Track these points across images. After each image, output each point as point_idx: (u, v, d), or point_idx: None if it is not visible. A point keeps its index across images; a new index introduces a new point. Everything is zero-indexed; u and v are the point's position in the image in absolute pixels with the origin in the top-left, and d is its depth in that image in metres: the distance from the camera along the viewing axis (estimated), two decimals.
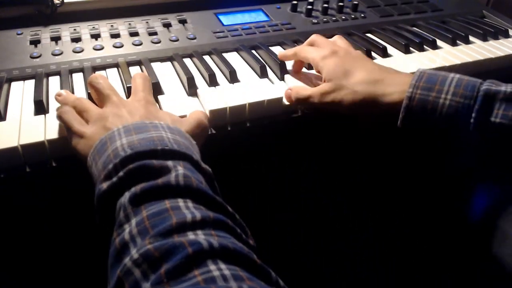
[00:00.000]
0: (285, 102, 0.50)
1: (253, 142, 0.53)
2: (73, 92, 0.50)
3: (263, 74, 0.56)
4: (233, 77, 0.54)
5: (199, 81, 0.54)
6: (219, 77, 0.55)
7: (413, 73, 0.44)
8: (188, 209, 0.28)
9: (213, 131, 0.47)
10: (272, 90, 0.50)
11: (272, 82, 0.54)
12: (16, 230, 0.52)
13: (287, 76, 0.55)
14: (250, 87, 0.51)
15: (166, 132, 0.35)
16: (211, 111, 0.46)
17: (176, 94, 0.51)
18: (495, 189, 0.56)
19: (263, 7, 0.72)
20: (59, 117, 0.41)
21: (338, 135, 0.61)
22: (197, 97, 0.50)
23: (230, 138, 0.49)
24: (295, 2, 0.72)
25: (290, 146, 0.58)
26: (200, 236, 0.26)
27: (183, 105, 0.48)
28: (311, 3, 0.72)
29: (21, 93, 0.50)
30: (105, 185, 0.31)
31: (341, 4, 0.74)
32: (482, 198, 0.59)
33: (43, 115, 0.45)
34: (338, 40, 0.54)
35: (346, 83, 0.45)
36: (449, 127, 0.40)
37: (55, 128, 0.43)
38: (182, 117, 0.43)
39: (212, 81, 0.53)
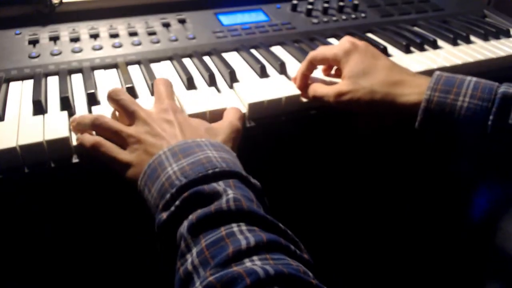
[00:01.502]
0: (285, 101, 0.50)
1: (252, 143, 0.52)
2: (72, 93, 0.50)
3: (263, 74, 0.55)
4: (232, 77, 0.54)
5: (199, 81, 0.54)
6: (219, 77, 0.55)
7: (429, 75, 0.44)
8: (242, 234, 0.29)
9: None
10: (273, 90, 0.50)
11: (273, 82, 0.54)
12: (15, 231, 0.52)
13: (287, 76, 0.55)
14: (250, 87, 0.51)
15: (211, 150, 0.36)
16: (211, 112, 0.46)
17: (176, 94, 0.51)
18: (500, 190, 0.56)
19: (263, 7, 0.71)
20: (93, 150, 0.39)
21: (339, 136, 0.60)
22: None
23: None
24: (295, 2, 0.72)
25: (289, 147, 0.58)
26: (256, 263, 0.27)
27: (183, 105, 0.48)
28: (311, 3, 0.71)
29: (20, 93, 0.50)
30: (164, 215, 0.32)
31: (341, 3, 0.73)
32: (487, 199, 0.58)
33: (41, 116, 0.45)
34: (351, 39, 0.51)
35: (365, 83, 0.45)
36: (466, 129, 0.41)
37: (53, 128, 0.42)
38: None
39: (212, 81, 0.53)
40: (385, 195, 0.72)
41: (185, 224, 0.30)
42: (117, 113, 0.44)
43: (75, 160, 0.42)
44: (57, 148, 0.41)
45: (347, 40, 0.49)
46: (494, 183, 0.61)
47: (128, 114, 0.41)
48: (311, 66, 0.51)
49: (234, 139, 0.42)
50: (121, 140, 0.39)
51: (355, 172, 0.68)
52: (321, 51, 0.50)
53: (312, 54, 0.51)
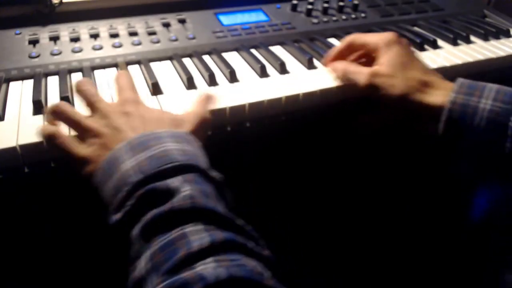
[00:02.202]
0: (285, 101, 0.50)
1: (253, 142, 0.52)
2: (72, 93, 0.50)
3: (263, 74, 0.55)
4: (232, 77, 0.54)
5: (199, 81, 0.54)
6: (219, 77, 0.55)
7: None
8: (196, 234, 0.28)
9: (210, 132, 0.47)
10: (272, 90, 0.50)
11: (273, 82, 0.54)
12: (15, 231, 0.52)
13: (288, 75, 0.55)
14: (250, 87, 0.51)
15: (171, 142, 0.34)
16: (211, 112, 0.46)
17: (175, 94, 0.51)
18: (500, 191, 0.56)
19: (263, 7, 0.71)
20: (50, 142, 0.38)
21: (339, 136, 0.60)
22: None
23: (230, 138, 0.49)
24: (295, 2, 0.72)
25: (290, 147, 0.58)
26: (209, 265, 0.26)
27: (183, 104, 0.48)
28: (311, 3, 0.71)
29: (20, 93, 0.50)
30: (119, 215, 0.31)
31: (341, 3, 0.73)
32: (487, 199, 0.58)
33: (41, 115, 0.45)
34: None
35: (402, 75, 0.47)
36: (487, 130, 0.42)
37: (53, 128, 0.42)
38: None
39: (212, 81, 0.53)
40: (385, 196, 0.72)
41: (138, 225, 0.29)
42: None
43: None
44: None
45: (391, 33, 0.51)
46: (494, 184, 0.61)
47: (89, 105, 0.40)
48: (348, 48, 0.53)
49: (202, 128, 0.40)
50: (80, 132, 0.38)
51: (355, 172, 0.68)
52: (363, 36, 0.51)
53: (352, 36, 0.52)
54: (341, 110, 0.54)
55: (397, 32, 0.69)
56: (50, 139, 0.38)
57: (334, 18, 0.72)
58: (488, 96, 0.42)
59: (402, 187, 0.72)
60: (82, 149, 0.37)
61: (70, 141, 0.38)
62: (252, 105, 0.48)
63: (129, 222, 0.30)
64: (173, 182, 0.31)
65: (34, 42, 0.57)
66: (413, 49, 0.51)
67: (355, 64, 0.51)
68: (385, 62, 0.48)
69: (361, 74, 0.48)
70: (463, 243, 0.65)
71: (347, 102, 0.54)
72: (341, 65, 0.51)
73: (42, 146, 0.41)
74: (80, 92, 0.41)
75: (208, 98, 0.44)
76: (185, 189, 0.30)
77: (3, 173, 0.40)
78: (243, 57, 0.60)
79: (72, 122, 0.39)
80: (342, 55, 0.54)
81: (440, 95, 0.45)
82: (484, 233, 0.59)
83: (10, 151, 0.40)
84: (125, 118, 0.38)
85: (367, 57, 0.54)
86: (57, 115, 0.39)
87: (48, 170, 0.42)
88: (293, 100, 0.50)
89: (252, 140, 0.51)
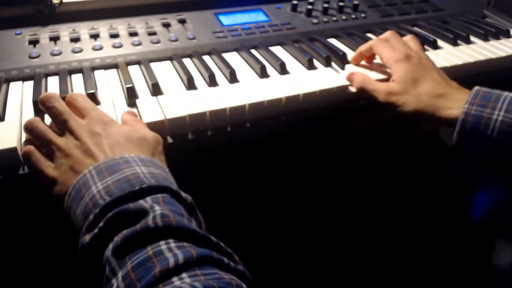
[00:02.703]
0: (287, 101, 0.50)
1: (253, 143, 0.52)
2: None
3: (263, 74, 0.55)
4: (233, 78, 0.54)
5: (199, 81, 0.54)
6: (219, 77, 0.55)
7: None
8: (171, 251, 0.28)
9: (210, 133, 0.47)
10: (273, 90, 0.50)
11: (273, 82, 0.54)
12: (15, 231, 0.52)
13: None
14: (250, 88, 0.51)
15: (139, 166, 0.34)
16: (211, 112, 0.46)
17: (176, 94, 0.51)
18: (500, 191, 0.56)
19: (263, 7, 0.71)
20: (24, 157, 0.38)
21: (339, 137, 0.60)
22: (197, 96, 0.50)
23: (230, 138, 0.49)
24: (295, 2, 0.72)
25: (290, 147, 0.58)
26: (185, 280, 0.26)
27: (183, 104, 0.48)
28: (311, 3, 0.71)
29: (20, 93, 0.50)
30: (87, 238, 0.30)
31: (341, 4, 0.73)
32: (487, 199, 0.58)
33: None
34: (411, 42, 0.56)
35: (413, 91, 0.48)
36: (499, 141, 0.43)
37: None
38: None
39: (212, 82, 0.53)
40: (385, 196, 0.72)
41: (110, 246, 0.29)
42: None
43: None
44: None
45: (401, 51, 0.52)
46: (494, 184, 0.61)
47: (58, 124, 0.39)
48: (370, 51, 0.56)
49: (160, 148, 0.40)
50: (50, 152, 0.38)
51: (355, 172, 0.68)
52: (380, 48, 0.54)
53: (373, 43, 0.55)
54: (341, 110, 0.54)
55: (397, 31, 0.69)
56: (25, 156, 0.38)
57: (334, 18, 0.72)
58: (501, 107, 0.43)
59: (402, 187, 0.72)
60: (52, 170, 0.37)
61: (42, 159, 0.38)
62: (252, 105, 0.48)
63: (99, 245, 0.30)
64: (144, 202, 0.31)
65: (34, 42, 0.57)
66: (426, 62, 0.52)
67: (371, 80, 0.53)
68: (396, 79, 0.50)
69: (378, 92, 0.51)
70: (463, 243, 0.65)
71: (347, 102, 0.54)
72: (359, 77, 0.53)
73: None
74: (48, 109, 0.40)
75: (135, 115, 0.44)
76: (156, 208, 0.30)
77: (3, 173, 0.40)
78: (243, 58, 0.60)
79: (44, 141, 0.38)
80: (362, 56, 0.59)
81: (454, 107, 0.46)
82: (484, 233, 0.59)
83: (11, 151, 0.40)
84: (95, 139, 0.37)
85: None
86: (30, 132, 0.39)
87: None
88: (293, 100, 0.50)
89: (252, 141, 0.51)
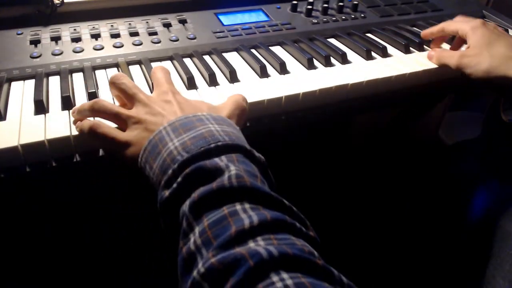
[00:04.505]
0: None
1: (253, 141, 0.52)
2: (73, 92, 0.50)
3: (263, 74, 0.56)
4: (233, 77, 0.54)
5: (199, 81, 0.54)
6: (219, 77, 0.55)
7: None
8: (245, 213, 0.28)
9: None
10: (273, 90, 0.50)
11: (273, 82, 0.54)
12: (15, 231, 0.52)
13: (289, 75, 0.55)
14: (250, 87, 0.51)
15: (213, 124, 0.35)
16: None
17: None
18: (500, 190, 0.56)
19: (263, 7, 0.72)
20: (93, 133, 0.39)
21: (339, 136, 0.60)
22: (198, 96, 0.50)
23: None
24: (295, 2, 0.72)
25: (290, 146, 0.58)
26: (260, 243, 0.26)
27: None
28: (311, 3, 0.72)
29: (21, 93, 0.50)
30: (167, 193, 0.32)
31: (341, 4, 0.74)
32: (487, 199, 0.59)
33: (43, 115, 0.45)
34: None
35: (488, 52, 0.53)
36: None
37: (55, 127, 0.43)
38: None
39: (212, 81, 0.53)
40: (385, 195, 0.72)
41: (187, 202, 0.30)
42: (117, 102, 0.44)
43: (76, 159, 0.42)
44: (58, 147, 0.42)
45: (478, 19, 0.58)
46: (494, 183, 0.61)
47: (128, 97, 0.41)
48: (442, 31, 0.61)
49: (239, 115, 0.41)
50: (121, 122, 0.39)
51: (355, 171, 0.68)
52: (454, 23, 0.59)
53: (447, 22, 0.61)
54: (341, 110, 0.54)
55: (397, 31, 0.69)
56: (92, 130, 0.39)
57: (334, 18, 0.72)
58: None
59: (402, 186, 0.72)
60: (125, 135, 0.38)
61: (113, 129, 0.39)
62: (252, 104, 0.48)
63: (177, 200, 0.31)
64: (220, 161, 0.31)
65: (35, 42, 0.57)
66: (499, 30, 0.57)
67: (447, 50, 0.59)
68: (472, 44, 0.55)
69: (451, 57, 0.55)
70: (463, 242, 0.65)
71: (347, 102, 0.54)
72: (436, 52, 0.59)
73: (44, 146, 0.41)
74: (117, 85, 0.41)
75: (240, 94, 0.45)
76: (232, 168, 0.31)
77: (4, 172, 0.40)
78: (243, 57, 0.60)
79: (113, 115, 0.40)
80: (432, 35, 0.64)
81: None
82: (483, 232, 0.59)
83: (12, 150, 0.40)
84: (165, 105, 0.39)
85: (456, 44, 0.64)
86: (96, 111, 0.40)
87: (50, 170, 0.42)
88: (293, 100, 0.50)
89: (252, 139, 0.51)
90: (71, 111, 0.43)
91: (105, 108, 0.40)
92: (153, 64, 0.56)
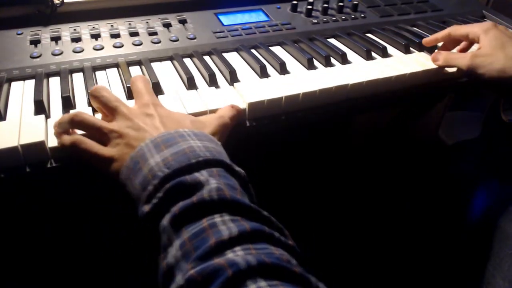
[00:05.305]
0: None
1: (253, 142, 0.52)
2: (73, 92, 0.50)
3: (263, 74, 0.56)
4: (233, 77, 0.54)
5: (199, 81, 0.54)
6: (219, 77, 0.55)
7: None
8: (224, 224, 0.29)
9: None
10: (272, 90, 0.50)
11: (273, 82, 0.54)
12: (16, 230, 0.52)
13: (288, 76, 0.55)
14: (250, 87, 0.51)
15: (194, 140, 0.36)
16: (211, 111, 0.46)
17: (176, 94, 0.51)
18: (500, 190, 0.57)
19: (263, 7, 0.72)
20: (75, 149, 0.39)
21: (339, 135, 0.60)
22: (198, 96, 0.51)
23: (230, 138, 0.49)
24: (295, 2, 0.72)
25: (290, 146, 0.58)
26: (238, 254, 0.27)
27: (183, 104, 0.48)
28: (311, 3, 0.72)
29: (21, 93, 0.50)
30: (147, 207, 0.32)
31: (341, 4, 0.74)
32: (487, 199, 0.59)
33: (43, 115, 0.45)
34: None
35: (502, 52, 0.52)
36: None
37: None
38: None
39: (212, 81, 0.53)
40: (385, 195, 0.73)
41: (168, 216, 0.30)
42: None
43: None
44: (58, 147, 0.42)
45: (489, 22, 0.58)
46: (494, 183, 0.61)
47: (109, 110, 0.41)
48: (448, 37, 0.59)
49: (221, 132, 0.42)
50: (103, 136, 0.39)
51: (355, 171, 0.68)
52: (463, 27, 0.57)
53: (454, 27, 0.59)
54: (341, 110, 0.54)
55: (397, 31, 0.69)
56: (74, 146, 0.39)
57: (334, 18, 0.72)
58: None
59: (402, 186, 0.72)
60: (107, 150, 0.38)
61: (95, 144, 0.39)
62: (252, 105, 0.48)
63: (158, 215, 0.31)
64: (201, 175, 0.32)
65: (35, 42, 0.57)
66: (511, 31, 0.56)
67: (454, 52, 0.57)
68: (484, 45, 0.54)
69: (463, 58, 0.54)
70: (462, 242, 0.65)
71: (347, 102, 0.54)
72: (443, 54, 0.57)
73: (43, 146, 0.41)
74: (97, 98, 0.42)
75: (230, 108, 0.46)
76: (212, 182, 0.31)
77: (4, 172, 0.40)
78: (243, 57, 0.61)
79: (94, 129, 0.39)
80: (438, 42, 0.62)
81: None
82: (483, 232, 0.59)
83: (12, 150, 0.40)
84: (147, 119, 0.39)
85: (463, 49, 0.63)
86: (78, 123, 0.40)
87: (49, 170, 0.42)
88: (293, 100, 0.50)
89: (252, 140, 0.51)
90: (53, 125, 0.42)
91: (86, 121, 0.40)
92: (153, 64, 0.56)
